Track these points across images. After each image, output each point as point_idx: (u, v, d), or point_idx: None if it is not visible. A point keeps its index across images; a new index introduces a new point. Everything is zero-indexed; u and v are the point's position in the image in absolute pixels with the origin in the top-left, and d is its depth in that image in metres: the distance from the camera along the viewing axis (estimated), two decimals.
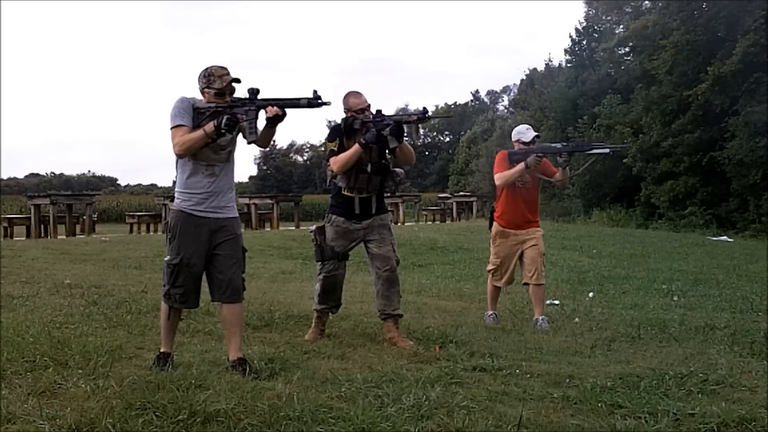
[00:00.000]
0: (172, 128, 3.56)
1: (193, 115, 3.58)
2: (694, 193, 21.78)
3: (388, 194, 4.79)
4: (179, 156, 3.60)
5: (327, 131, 4.69)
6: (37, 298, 5.68)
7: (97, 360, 3.53)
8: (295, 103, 3.51)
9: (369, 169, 4.48)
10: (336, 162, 4.46)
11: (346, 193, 4.54)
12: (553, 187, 28.37)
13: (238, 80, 3.60)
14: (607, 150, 5.81)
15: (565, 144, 5.76)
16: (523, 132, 5.68)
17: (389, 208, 4.92)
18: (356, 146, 4.38)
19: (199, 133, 3.50)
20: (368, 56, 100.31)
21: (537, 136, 5.64)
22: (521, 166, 5.44)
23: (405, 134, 4.47)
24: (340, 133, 4.51)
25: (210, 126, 3.49)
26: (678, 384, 3.46)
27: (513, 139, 5.73)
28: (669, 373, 3.62)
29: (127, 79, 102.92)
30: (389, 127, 4.32)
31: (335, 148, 4.49)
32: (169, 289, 3.63)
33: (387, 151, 4.54)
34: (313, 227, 4.67)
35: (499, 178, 5.55)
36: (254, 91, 3.54)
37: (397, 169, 4.64)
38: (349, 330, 4.86)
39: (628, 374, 3.63)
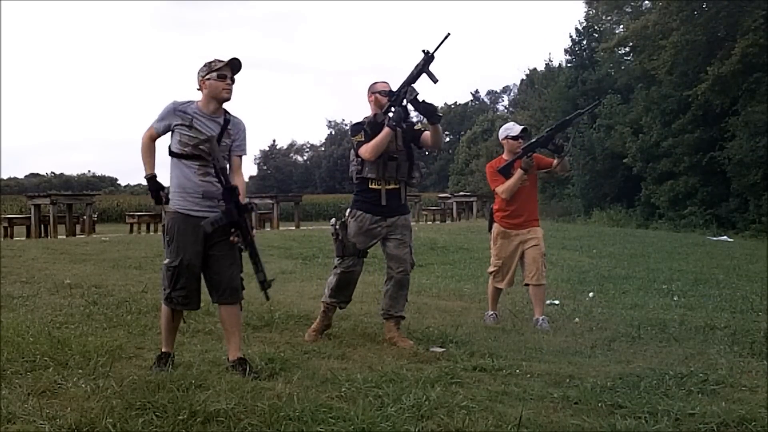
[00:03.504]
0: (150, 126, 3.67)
1: (180, 114, 3.60)
2: (694, 193, 21.81)
3: (414, 184, 4.73)
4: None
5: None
6: (37, 298, 5.68)
7: (97, 360, 3.53)
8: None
9: (397, 156, 4.48)
10: (367, 149, 4.42)
11: (373, 186, 4.52)
12: (555, 184, 28.42)
13: (238, 60, 3.62)
14: (582, 111, 6.14)
15: (548, 131, 5.58)
16: (510, 128, 5.65)
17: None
18: (386, 130, 4.36)
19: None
20: (367, 56, 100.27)
21: (524, 129, 5.59)
22: (519, 172, 5.44)
23: (417, 94, 4.28)
24: (362, 126, 4.53)
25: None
26: (678, 384, 3.46)
27: (501, 138, 5.68)
28: (669, 373, 3.62)
29: (128, 79, 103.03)
30: (406, 96, 4.28)
31: (362, 139, 4.48)
32: (170, 292, 3.60)
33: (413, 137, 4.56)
34: (333, 220, 4.62)
35: (504, 191, 5.51)
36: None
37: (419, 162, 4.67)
38: (349, 330, 4.86)
39: (628, 374, 3.63)
